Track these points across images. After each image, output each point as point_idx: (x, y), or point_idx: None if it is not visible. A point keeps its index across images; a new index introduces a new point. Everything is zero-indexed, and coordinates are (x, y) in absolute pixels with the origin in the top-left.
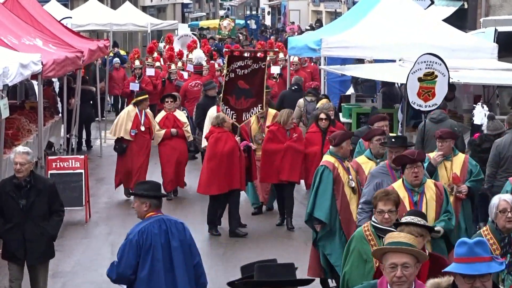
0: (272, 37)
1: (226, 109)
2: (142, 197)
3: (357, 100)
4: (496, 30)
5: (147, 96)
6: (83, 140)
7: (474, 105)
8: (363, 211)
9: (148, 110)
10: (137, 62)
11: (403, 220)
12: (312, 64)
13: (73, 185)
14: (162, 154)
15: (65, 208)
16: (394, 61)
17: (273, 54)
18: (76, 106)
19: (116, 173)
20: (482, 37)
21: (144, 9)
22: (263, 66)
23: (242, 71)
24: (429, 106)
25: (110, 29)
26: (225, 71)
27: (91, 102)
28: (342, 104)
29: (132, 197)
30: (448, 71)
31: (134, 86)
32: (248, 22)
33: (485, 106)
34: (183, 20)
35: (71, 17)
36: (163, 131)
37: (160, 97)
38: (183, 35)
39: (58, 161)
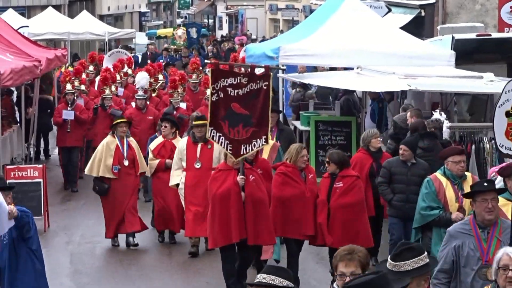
0: (209, 47)
1: (219, 136)
2: (8, 189)
3: (315, 108)
4: (453, 37)
5: (124, 119)
6: (41, 149)
7: (433, 112)
8: (440, 283)
9: (131, 138)
10: (68, 86)
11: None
12: None
13: (32, 194)
14: (154, 189)
15: None
16: (352, 68)
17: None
18: (34, 115)
19: (106, 222)
20: (439, 45)
21: (102, 17)
22: (265, 87)
23: (236, 91)
24: None
25: (68, 38)
26: (210, 89)
27: (49, 111)
28: (300, 112)
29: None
30: None
31: (68, 115)
32: (189, 30)
33: (442, 113)
34: (141, 28)
35: (28, 26)
36: (156, 161)
37: (91, 127)
38: (114, 51)
39: (16, 170)
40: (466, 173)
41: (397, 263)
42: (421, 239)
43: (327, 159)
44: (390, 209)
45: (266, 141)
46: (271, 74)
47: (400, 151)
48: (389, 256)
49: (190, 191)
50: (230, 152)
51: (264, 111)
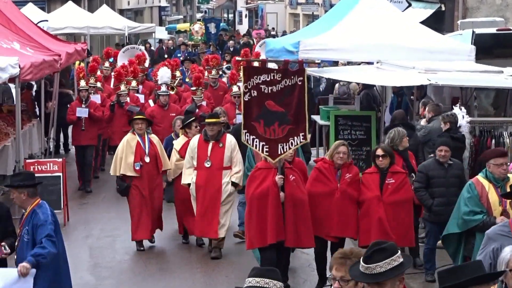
0: (230, 42)
1: (253, 139)
2: (19, 188)
3: (335, 103)
4: (473, 32)
5: (141, 116)
6: (61, 144)
7: (453, 107)
8: None
9: (153, 135)
10: (82, 83)
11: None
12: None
13: (51, 188)
14: (178, 192)
15: None
16: (372, 63)
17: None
18: (53, 110)
19: (132, 223)
20: (459, 39)
21: (121, 12)
22: (300, 82)
23: (270, 88)
24: None
25: (87, 32)
26: (242, 88)
27: (69, 105)
28: (320, 106)
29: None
30: None
31: (82, 112)
32: (208, 25)
33: (463, 108)
34: (160, 23)
35: (47, 20)
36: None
37: (108, 125)
38: (129, 47)
39: (36, 164)
40: (508, 174)
41: (369, 265)
42: (464, 245)
43: (382, 153)
44: (430, 215)
45: (305, 138)
46: (305, 68)
47: (441, 153)
48: (361, 258)
49: (201, 191)
50: (267, 154)
51: (300, 108)
